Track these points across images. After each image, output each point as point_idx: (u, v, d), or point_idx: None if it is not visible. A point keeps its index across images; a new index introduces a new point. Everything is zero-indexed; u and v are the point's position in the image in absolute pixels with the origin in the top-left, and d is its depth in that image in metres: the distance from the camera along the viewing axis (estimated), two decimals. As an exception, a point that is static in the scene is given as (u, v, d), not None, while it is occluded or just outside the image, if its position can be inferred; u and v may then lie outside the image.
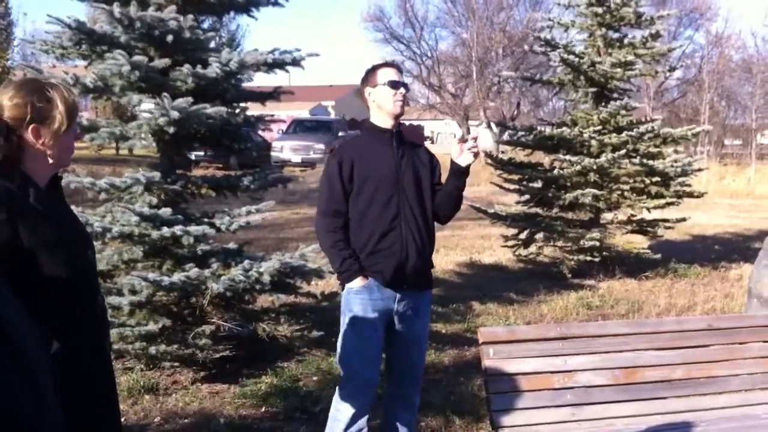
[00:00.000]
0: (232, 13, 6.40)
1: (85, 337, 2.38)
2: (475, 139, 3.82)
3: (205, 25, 6.14)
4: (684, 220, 10.76)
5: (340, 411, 3.93)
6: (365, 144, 3.95)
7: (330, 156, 3.96)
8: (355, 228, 3.86)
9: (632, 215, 10.27)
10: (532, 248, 10.44)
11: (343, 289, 3.94)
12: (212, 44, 5.95)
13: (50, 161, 2.36)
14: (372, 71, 3.98)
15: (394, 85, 3.87)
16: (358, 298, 3.84)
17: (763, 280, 5.82)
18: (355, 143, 4.00)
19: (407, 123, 41.78)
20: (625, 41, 10.51)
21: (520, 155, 11.57)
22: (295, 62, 5.98)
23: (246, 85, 6.29)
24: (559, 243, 10.17)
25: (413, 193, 3.88)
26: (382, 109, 3.91)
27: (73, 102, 2.38)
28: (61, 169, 2.46)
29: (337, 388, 4.03)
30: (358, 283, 3.82)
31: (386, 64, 4.07)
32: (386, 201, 3.82)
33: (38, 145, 2.31)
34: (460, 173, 3.88)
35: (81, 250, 2.43)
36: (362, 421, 3.92)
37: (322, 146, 28.36)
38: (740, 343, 4.13)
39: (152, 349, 5.35)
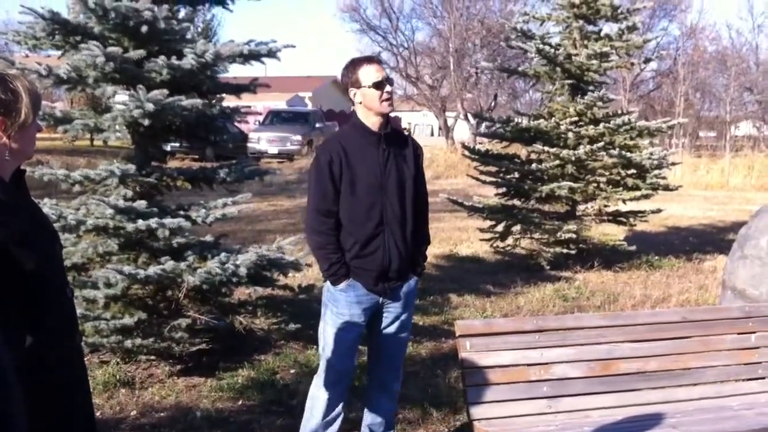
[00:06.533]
0: (207, 4, 6.35)
1: (56, 331, 2.36)
2: None
3: (181, 15, 6.06)
4: (659, 211, 10.82)
5: (318, 399, 3.98)
6: (353, 143, 3.84)
7: (320, 151, 3.88)
8: (340, 230, 3.84)
9: (606, 206, 10.29)
10: (510, 240, 10.45)
11: (326, 280, 3.94)
12: (188, 35, 5.89)
13: (14, 154, 2.32)
14: (352, 69, 3.85)
15: (379, 85, 3.78)
16: (343, 294, 3.85)
17: (737, 271, 5.88)
18: (342, 140, 3.88)
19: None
20: (601, 33, 10.53)
21: (498, 147, 11.58)
22: (271, 54, 5.94)
23: (222, 76, 6.24)
24: (536, 235, 10.19)
25: (396, 197, 3.84)
26: (371, 110, 3.82)
27: (36, 93, 2.33)
28: (24, 161, 2.42)
29: (314, 378, 4.06)
30: (343, 285, 3.84)
31: (366, 61, 3.91)
32: (370, 207, 3.79)
33: (4, 138, 2.27)
34: None
35: (49, 243, 2.40)
36: (339, 407, 4.00)
37: (299, 138, 28.29)
38: (715, 335, 4.17)
39: (128, 343, 5.32)
